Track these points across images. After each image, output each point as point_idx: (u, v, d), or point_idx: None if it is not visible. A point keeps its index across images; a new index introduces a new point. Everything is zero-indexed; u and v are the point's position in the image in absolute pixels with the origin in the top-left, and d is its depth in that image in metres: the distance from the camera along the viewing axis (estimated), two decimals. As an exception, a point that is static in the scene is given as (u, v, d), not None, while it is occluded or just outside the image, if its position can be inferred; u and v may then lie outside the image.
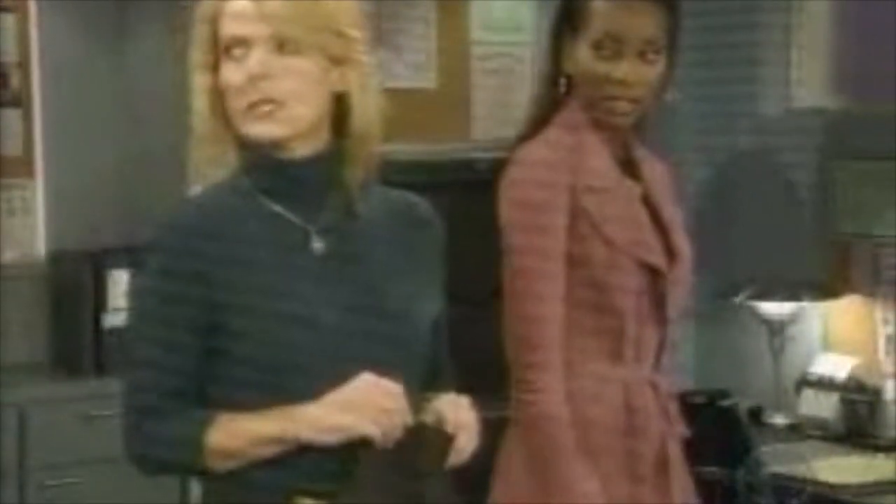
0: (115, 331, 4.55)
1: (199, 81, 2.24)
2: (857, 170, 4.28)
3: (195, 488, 4.19)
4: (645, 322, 2.71)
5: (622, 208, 2.71)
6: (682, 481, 2.79)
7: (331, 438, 2.16)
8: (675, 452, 2.76)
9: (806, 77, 4.56)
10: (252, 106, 2.20)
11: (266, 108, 2.20)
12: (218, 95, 2.23)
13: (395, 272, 2.29)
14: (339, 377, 2.18)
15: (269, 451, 2.18)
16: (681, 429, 2.80)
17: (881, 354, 4.17)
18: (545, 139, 2.73)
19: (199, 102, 2.25)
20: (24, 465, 4.36)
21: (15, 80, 4.82)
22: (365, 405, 2.15)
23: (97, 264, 4.59)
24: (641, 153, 2.81)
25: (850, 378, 4.18)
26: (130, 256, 4.59)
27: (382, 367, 2.20)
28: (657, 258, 2.71)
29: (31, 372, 4.65)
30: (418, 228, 2.35)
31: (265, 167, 2.25)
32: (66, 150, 4.90)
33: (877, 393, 4.11)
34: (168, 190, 4.66)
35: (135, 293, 2.28)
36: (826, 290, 4.34)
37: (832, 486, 3.66)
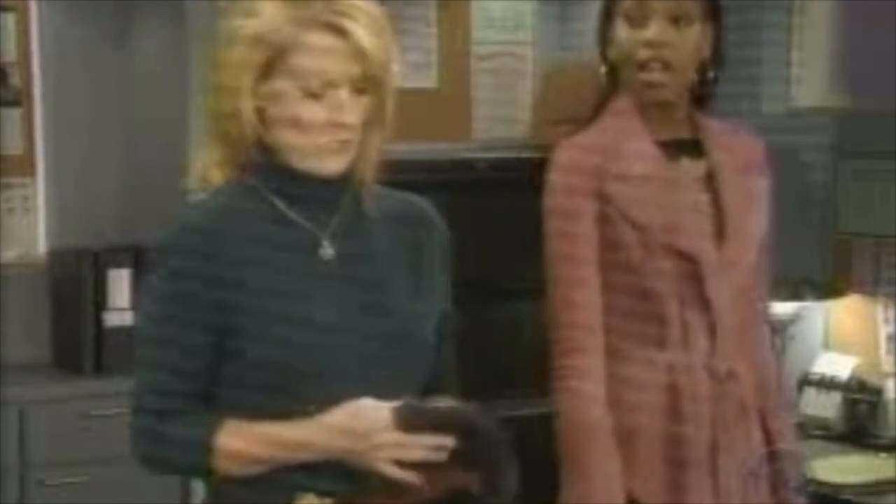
0: (115, 330, 4.56)
1: (245, 105, 2.19)
2: (858, 169, 4.27)
3: (197, 488, 4.19)
4: (689, 306, 2.71)
5: (659, 195, 2.72)
6: (739, 466, 2.76)
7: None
8: (732, 439, 2.74)
9: (807, 76, 4.55)
10: (326, 143, 2.20)
11: (340, 146, 2.21)
12: (259, 112, 2.21)
13: (403, 274, 2.30)
14: (346, 379, 2.19)
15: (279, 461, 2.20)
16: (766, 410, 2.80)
17: (883, 354, 4.16)
18: (581, 138, 2.78)
19: (247, 116, 2.20)
20: (24, 464, 4.37)
21: (15, 80, 4.82)
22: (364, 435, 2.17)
23: (97, 263, 4.59)
24: (714, 128, 2.83)
25: (852, 377, 4.17)
26: (131, 255, 4.59)
27: (389, 368, 2.21)
28: (694, 242, 2.71)
29: (32, 371, 4.65)
30: (424, 230, 2.36)
31: (282, 174, 2.24)
32: (67, 149, 4.90)
33: (878, 392, 4.10)
34: (169, 189, 4.65)
35: (145, 294, 2.27)
36: (828, 289, 4.33)
37: (833, 486, 3.65)
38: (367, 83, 2.20)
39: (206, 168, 2.29)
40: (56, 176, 4.89)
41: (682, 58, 2.73)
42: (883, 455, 3.89)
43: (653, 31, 2.71)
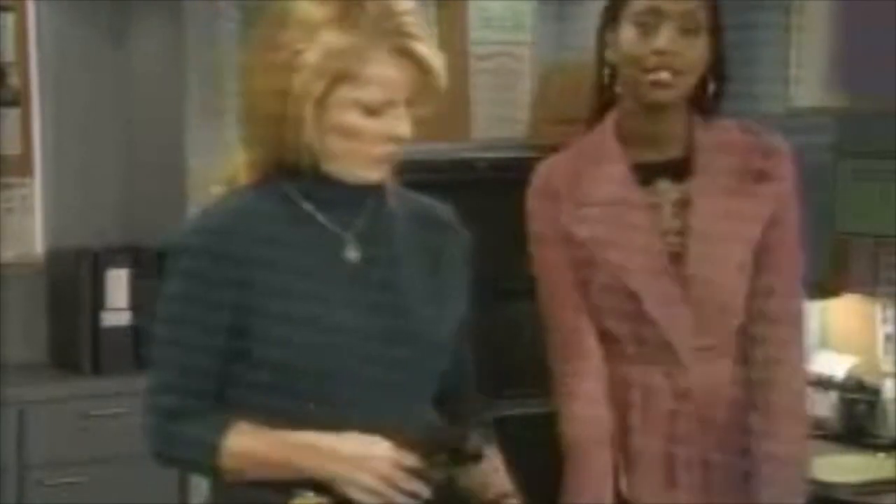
0: (113, 330, 4.56)
1: (309, 111, 2.19)
2: (858, 169, 4.27)
3: (195, 487, 4.19)
4: (632, 321, 2.73)
5: (617, 220, 2.73)
6: (696, 462, 2.78)
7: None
8: (692, 435, 2.76)
9: (806, 76, 4.55)
10: (379, 154, 2.23)
11: (389, 157, 2.25)
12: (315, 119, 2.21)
13: (423, 277, 2.31)
14: (365, 380, 2.20)
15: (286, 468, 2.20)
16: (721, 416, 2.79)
17: (880, 353, 4.16)
18: (565, 151, 2.83)
19: (309, 122, 2.20)
20: (23, 464, 4.37)
21: (14, 79, 4.82)
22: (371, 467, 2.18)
23: (96, 263, 4.59)
24: (722, 132, 2.84)
25: (850, 377, 4.18)
26: (130, 255, 4.59)
27: (408, 370, 2.23)
28: (636, 264, 2.72)
29: (30, 371, 4.65)
30: (443, 232, 2.38)
31: (316, 178, 2.25)
32: (65, 149, 4.90)
33: (876, 392, 4.10)
34: (168, 189, 4.66)
35: (161, 294, 2.27)
36: (825, 288, 4.33)
37: (831, 486, 3.65)
38: (420, 96, 2.23)
39: (237, 169, 2.30)
40: (55, 176, 4.89)
41: (688, 64, 2.74)
42: (881, 455, 3.90)
43: (663, 39, 2.70)
